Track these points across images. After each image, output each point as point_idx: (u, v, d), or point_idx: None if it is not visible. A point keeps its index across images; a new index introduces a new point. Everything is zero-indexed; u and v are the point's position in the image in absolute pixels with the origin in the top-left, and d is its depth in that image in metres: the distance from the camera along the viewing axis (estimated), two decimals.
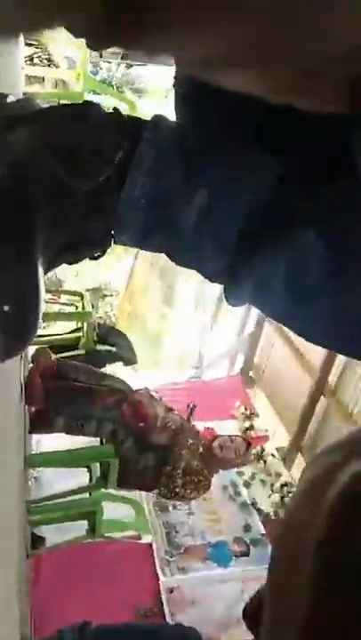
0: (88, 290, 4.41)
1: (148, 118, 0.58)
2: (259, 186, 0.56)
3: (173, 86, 0.64)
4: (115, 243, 0.61)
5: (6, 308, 0.50)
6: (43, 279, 0.53)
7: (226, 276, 0.60)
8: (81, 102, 0.61)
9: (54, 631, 1.64)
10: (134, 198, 0.56)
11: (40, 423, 2.18)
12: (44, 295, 0.54)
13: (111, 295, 9.42)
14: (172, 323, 5.97)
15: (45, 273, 0.55)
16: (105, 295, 9.36)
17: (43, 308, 0.54)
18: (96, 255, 0.63)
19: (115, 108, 0.59)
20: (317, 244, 0.53)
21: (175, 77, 0.63)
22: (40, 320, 0.55)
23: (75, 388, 2.18)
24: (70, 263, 0.63)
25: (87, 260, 0.63)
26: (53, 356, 2.29)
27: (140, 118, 0.59)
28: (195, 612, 2.82)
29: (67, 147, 0.54)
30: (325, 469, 0.29)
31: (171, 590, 2.89)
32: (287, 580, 0.29)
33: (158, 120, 0.57)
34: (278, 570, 0.31)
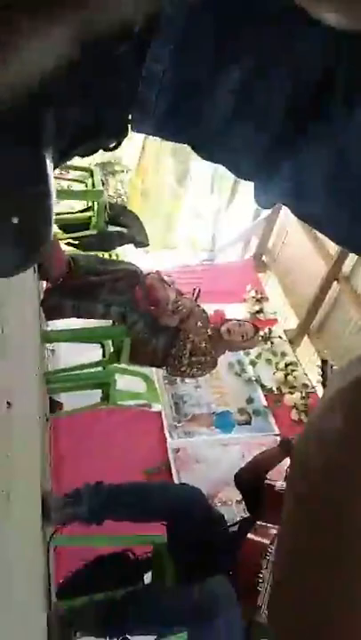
0: (97, 164, 4.20)
1: None
2: (312, 59, 0.46)
3: None
4: (132, 130, 0.53)
5: (15, 220, 0.47)
6: (53, 179, 0.49)
7: (262, 169, 0.53)
8: None
9: (72, 489, 1.86)
10: (156, 76, 0.47)
11: (50, 311, 2.24)
12: (54, 198, 0.50)
13: (123, 171, 8.98)
14: (185, 204, 5.78)
15: (55, 168, 0.50)
16: (116, 171, 8.92)
17: (54, 213, 0.51)
18: (111, 146, 0.57)
19: None
20: None
21: None
22: (52, 227, 0.52)
23: (88, 283, 2.20)
24: (83, 156, 0.57)
25: (102, 151, 0.57)
26: (67, 252, 2.28)
27: None
28: (198, 471, 3.15)
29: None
30: (355, 380, 0.29)
31: (177, 450, 3.21)
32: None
33: None
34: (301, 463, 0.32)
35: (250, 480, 1.84)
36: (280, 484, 1.72)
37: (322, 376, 1.91)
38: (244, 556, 1.60)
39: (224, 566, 1.59)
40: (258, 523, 1.69)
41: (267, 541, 1.58)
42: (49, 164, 0.49)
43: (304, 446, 0.32)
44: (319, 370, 1.98)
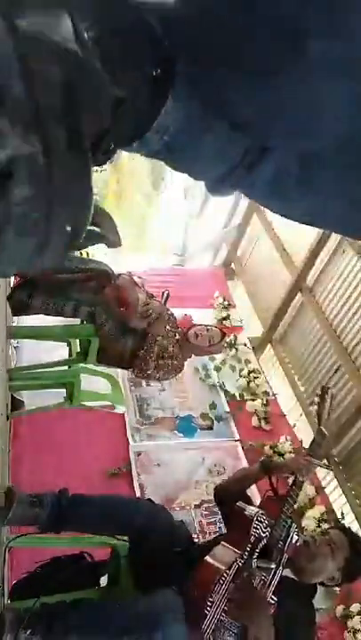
0: None
1: None
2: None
3: None
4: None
5: (68, 228, 0.51)
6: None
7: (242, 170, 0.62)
8: None
9: (32, 489, 1.82)
10: (163, 127, 0.57)
11: (17, 306, 2.20)
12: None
13: (96, 171, 8.93)
14: (158, 208, 5.79)
15: None
16: None
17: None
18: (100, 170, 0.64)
19: None
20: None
21: None
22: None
23: (59, 281, 2.17)
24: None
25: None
26: None
27: None
28: (159, 474, 3.16)
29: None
30: None
31: (139, 454, 3.21)
32: None
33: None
34: None
35: (225, 497, 1.81)
36: (251, 509, 1.66)
37: (319, 404, 1.74)
38: (198, 575, 1.57)
39: (179, 581, 1.57)
40: (221, 544, 1.65)
41: (223, 567, 1.55)
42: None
43: None
44: (316, 398, 1.81)
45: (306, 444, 3.55)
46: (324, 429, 1.70)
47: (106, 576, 1.93)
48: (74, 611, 1.54)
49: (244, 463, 3.31)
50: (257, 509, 1.65)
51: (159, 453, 3.25)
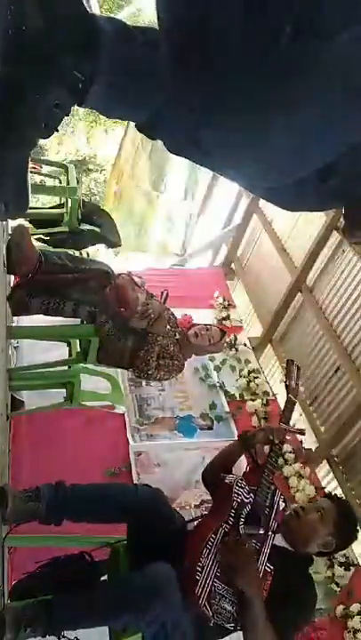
0: (71, 162, 4.16)
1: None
2: None
3: None
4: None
5: (3, 207, 0.54)
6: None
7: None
8: None
9: (32, 486, 1.82)
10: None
11: (17, 306, 2.20)
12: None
13: (96, 170, 8.91)
14: (159, 208, 5.80)
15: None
16: (90, 170, 8.84)
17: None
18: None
19: None
20: None
21: None
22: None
23: (59, 281, 2.17)
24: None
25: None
26: (37, 247, 2.24)
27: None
28: (159, 474, 3.16)
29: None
30: None
31: (139, 454, 3.21)
32: None
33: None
34: None
35: (211, 478, 1.85)
36: (231, 476, 1.71)
37: (286, 375, 1.94)
38: (187, 546, 1.61)
39: (174, 558, 1.59)
40: (206, 517, 1.70)
41: (209, 530, 1.58)
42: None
43: None
44: (283, 369, 2.05)
45: (305, 444, 3.58)
46: (292, 397, 1.88)
47: (106, 576, 1.94)
48: (73, 601, 1.56)
49: (245, 463, 3.31)
50: (236, 476, 1.68)
51: (159, 453, 3.25)
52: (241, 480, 1.65)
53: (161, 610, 1.44)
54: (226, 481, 1.68)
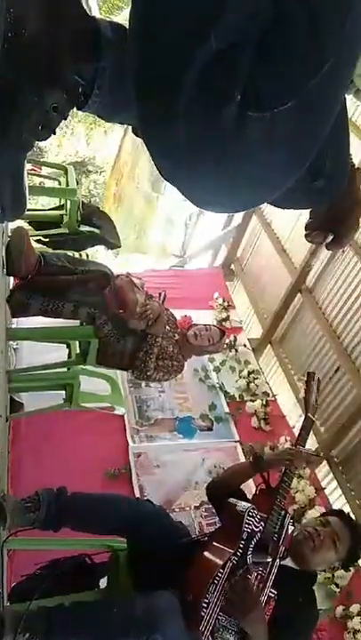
0: (71, 163, 4.17)
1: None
2: None
3: None
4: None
5: (0, 210, 0.54)
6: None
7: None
8: None
9: (32, 491, 1.81)
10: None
11: (16, 307, 2.20)
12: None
13: (96, 172, 8.91)
14: (158, 209, 5.81)
15: None
16: (89, 171, 8.84)
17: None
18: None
19: None
20: None
21: None
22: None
23: (58, 282, 2.17)
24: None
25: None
26: (37, 249, 2.24)
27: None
28: (159, 475, 3.15)
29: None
30: None
31: (138, 455, 3.20)
32: None
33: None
34: None
35: (217, 495, 1.78)
36: (242, 505, 1.61)
37: (305, 391, 1.73)
38: (193, 576, 1.54)
39: (177, 581, 1.55)
40: (213, 544, 1.60)
41: (217, 566, 1.51)
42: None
43: None
44: (303, 384, 1.79)
45: (305, 445, 3.57)
46: (312, 416, 1.68)
47: (105, 578, 1.93)
48: (73, 613, 1.53)
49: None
50: (248, 505, 1.60)
51: (159, 455, 3.25)
52: (253, 509, 1.56)
53: (162, 639, 1.41)
54: (237, 509, 1.59)
